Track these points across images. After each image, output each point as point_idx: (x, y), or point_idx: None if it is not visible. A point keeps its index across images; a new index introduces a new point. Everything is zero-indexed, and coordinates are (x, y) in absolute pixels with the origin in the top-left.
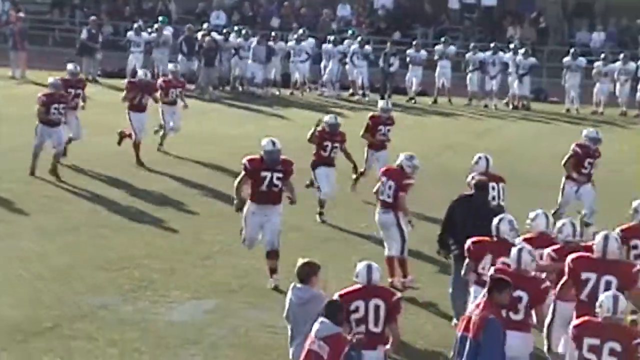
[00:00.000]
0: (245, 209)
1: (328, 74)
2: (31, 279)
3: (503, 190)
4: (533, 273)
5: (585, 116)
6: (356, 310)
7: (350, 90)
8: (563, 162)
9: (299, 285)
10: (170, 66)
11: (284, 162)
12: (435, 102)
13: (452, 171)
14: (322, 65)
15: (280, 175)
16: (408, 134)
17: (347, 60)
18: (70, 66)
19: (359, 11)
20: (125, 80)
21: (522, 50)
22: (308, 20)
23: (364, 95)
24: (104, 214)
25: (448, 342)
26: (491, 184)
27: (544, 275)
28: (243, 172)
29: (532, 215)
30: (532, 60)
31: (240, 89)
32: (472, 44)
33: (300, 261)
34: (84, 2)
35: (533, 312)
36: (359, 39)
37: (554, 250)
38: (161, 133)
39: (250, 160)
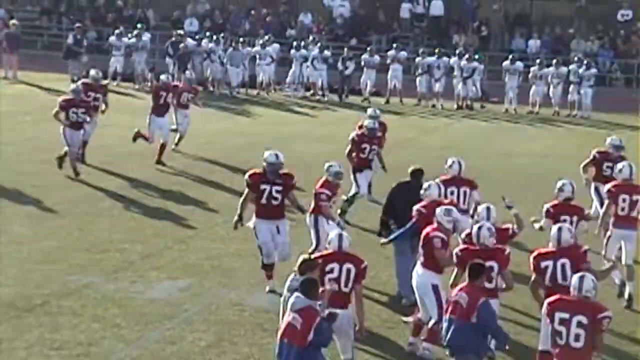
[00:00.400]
0: (253, 226)
1: (291, 75)
2: (22, 260)
3: (465, 195)
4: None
5: (522, 115)
6: (331, 271)
7: (311, 91)
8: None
9: (297, 276)
10: (187, 73)
11: (284, 175)
12: (387, 102)
13: (404, 165)
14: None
15: (280, 188)
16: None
17: (309, 63)
18: (92, 72)
19: (319, 20)
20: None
21: (466, 56)
22: (273, 27)
23: (323, 95)
24: (88, 202)
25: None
26: (457, 189)
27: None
28: (246, 188)
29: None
30: (475, 64)
31: (211, 89)
32: (421, 50)
33: (301, 258)
34: (70, 9)
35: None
36: (318, 44)
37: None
38: (177, 135)
39: (251, 175)
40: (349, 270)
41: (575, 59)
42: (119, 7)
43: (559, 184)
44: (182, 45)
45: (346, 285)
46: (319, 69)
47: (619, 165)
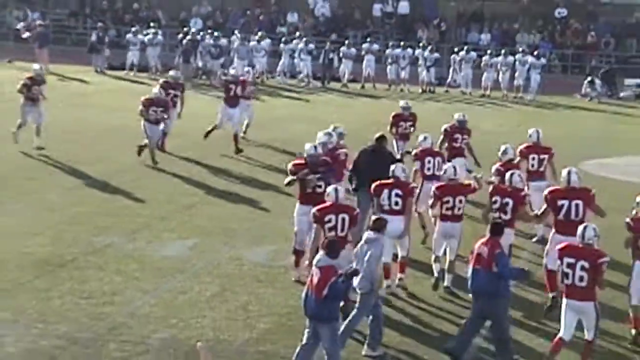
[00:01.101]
0: (295, 211)
1: (280, 66)
2: (55, 223)
3: (439, 164)
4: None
5: (476, 97)
6: (329, 221)
7: (299, 79)
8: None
9: (372, 232)
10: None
11: (323, 162)
12: (362, 87)
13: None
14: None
15: (322, 176)
16: (342, 112)
17: (296, 55)
18: (172, 72)
19: (304, 18)
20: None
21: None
22: (265, 25)
23: (308, 82)
24: (111, 175)
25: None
26: (432, 158)
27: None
28: (290, 176)
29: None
30: (436, 55)
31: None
32: (390, 43)
33: (374, 217)
34: (93, 11)
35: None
36: (304, 39)
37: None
38: (245, 122)
39: (295, 164)
40: (344, 219)
41: (520, 49)
42: (135, 9)
43: (502, 148)
44: (185, 41)
45: (342, 231)
46: (304, 60)
47: (530, 131)
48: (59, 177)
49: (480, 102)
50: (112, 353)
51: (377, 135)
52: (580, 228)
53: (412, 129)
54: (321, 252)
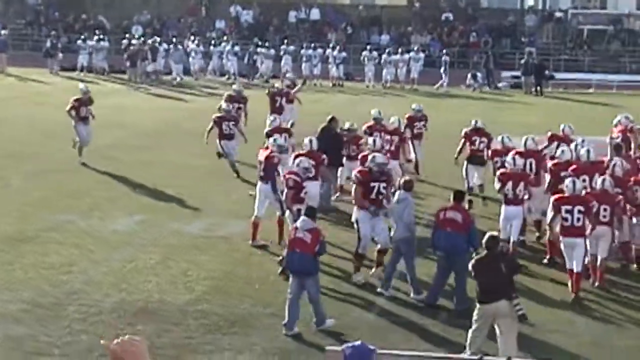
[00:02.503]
0: (356, 215)
1: (211, 65)
2: (19, 204)
3: (392, 143)
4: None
5: (378, 90)
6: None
7: (226, 77)
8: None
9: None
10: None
11: (386, 171)
12: (281, 82)
13: (297, 125)
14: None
15: (385, 184)
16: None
17: (224, 56)
18: (235, 86)
19: (230, 24)
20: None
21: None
22: (197, 31)
23: (235, 79)
24: (68, 162)
25: None
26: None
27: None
28: (357, 184)
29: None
30: (344, 54)
31: (153, 78)
32: (304, 44)
33: (405, 178)
34: (47, 21)
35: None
36: (230, 42)
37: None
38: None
39: (360, 172)
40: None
41: (415, 48)
42: (83, 19)
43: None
44: (132, 47)
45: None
46: (231, 60)
47: (474, 123)
48: (24, 166)
49: (382, 94)
50: (71, 315)
51: (329, 117)
52: (569, 182)
53: (424, 128)
54: (303, 218)
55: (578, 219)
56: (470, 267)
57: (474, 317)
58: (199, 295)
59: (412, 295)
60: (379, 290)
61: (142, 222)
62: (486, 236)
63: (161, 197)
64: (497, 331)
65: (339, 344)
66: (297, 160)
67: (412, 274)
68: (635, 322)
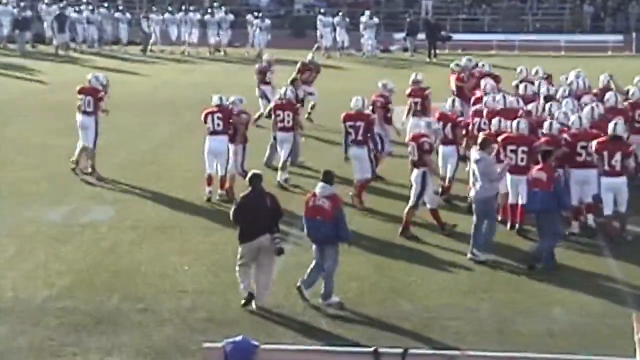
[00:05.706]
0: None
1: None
2: None
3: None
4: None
5: (254, 57)
6: (352, 126)
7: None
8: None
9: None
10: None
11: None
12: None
13: (175, 95)
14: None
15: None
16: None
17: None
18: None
19: None
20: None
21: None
22: None
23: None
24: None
25: None
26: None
27: None
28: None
29: None
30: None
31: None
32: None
33: (481, 136)
34: None
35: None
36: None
37: None
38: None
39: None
40: (359, 126)
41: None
42: None
43: (353, 100)
44: (59, 13)
45: (358, 135)
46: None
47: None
48: None
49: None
50: None
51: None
52: (514, 123)
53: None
54: (321, 183)
55: (522, 159)
56: (235, 205)
57: (238, 255)
58: (60, 291)
59: (470, 255)
60: (469, 256)
61: (73, 211)
62: (250, 173)
63: (15, 182)
64: (255, 264)
65: (219, 340)
66: None
67: (492, 235)
68: (541, 307)
